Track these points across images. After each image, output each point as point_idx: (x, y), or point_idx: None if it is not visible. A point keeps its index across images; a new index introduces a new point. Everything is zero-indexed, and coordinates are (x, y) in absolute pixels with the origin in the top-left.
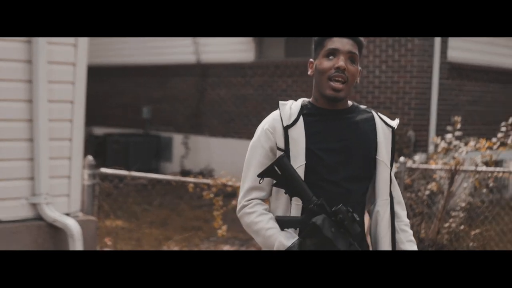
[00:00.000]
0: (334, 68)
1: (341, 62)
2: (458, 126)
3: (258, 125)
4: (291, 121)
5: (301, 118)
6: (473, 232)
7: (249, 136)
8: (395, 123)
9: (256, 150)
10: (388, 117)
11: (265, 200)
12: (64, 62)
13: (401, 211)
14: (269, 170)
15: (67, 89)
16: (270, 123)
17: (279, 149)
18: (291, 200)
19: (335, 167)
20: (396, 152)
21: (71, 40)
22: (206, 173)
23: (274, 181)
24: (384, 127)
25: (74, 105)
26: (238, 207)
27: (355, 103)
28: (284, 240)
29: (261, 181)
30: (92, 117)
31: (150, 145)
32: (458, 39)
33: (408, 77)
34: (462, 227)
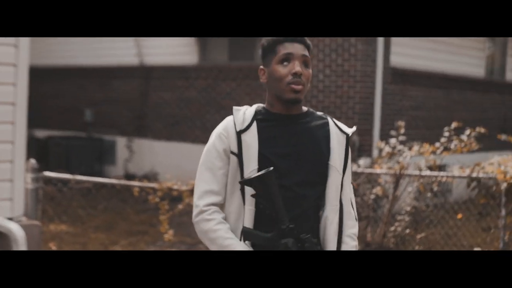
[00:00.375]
0: (291, 74)
1: (297, 67)
2: (402, 130)
3: (202, 128)
4: (244, 126)
5: (254, 123)
6: (418, 236)
7: (193, 139)
8: (351, 130)
9: (210, 153)
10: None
11: (221, 206)
12: (4, 63)
13: (347, 220)
14: (254, 181)
15: (8, 91)
16: (224, 127)
17: (232, 153)
18: (244, 204)
19: (287, 172)
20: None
21: (12, 40)
22: (151, 176)
23: (253, 192)
24: (339, 133)
25: (16, 107)
26: (196, 211)
27: (311, 109)
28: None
29: (215, 186)
30: (34, 119)
31: (93, 148)
32: (401, 45)
33: (352, 81)
34: (407, 230)
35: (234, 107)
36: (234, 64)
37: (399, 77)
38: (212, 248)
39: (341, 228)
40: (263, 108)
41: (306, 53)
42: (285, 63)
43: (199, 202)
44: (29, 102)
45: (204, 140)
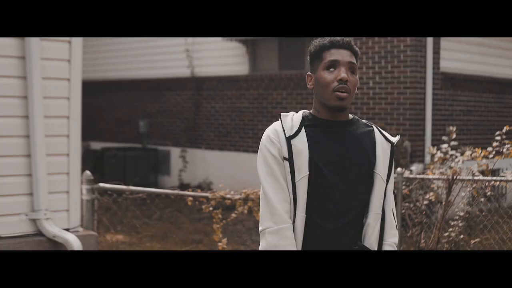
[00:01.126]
0: (336, 80)
1: (343, 73)
2: (454, 135)
3: (254, 138)
4: (293, 132)
5: (303, 129)
6: (472, 241)
7: (246, 148)
8: (395, 139)
9: (268, 159)
10: (383, 128)
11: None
12: (58, 78)
13: (389, 229)
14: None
15: (63, 105)
16: (273, 132)
17: (283, 158)
18: (295, 210)
19: (335, 179)
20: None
21: (65, 55)
22: (205, 186)
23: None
24: (384, 142)
25: (70, 120)
26: (272, 221)
27: (356, 117)
28: None
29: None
30: (89, 132)
31: (147, 159)
32: (450, 50)
33: (402, 88)
34: (461, 236)
35: (282, 113)
36: (284, 73)
37: (449, 82)
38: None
39: (382, 236)
40: (310, 114)
41: (353, 59)
42: (331, 69)
43: (277, 213)
44: (85, 115)
45: (256, 149)
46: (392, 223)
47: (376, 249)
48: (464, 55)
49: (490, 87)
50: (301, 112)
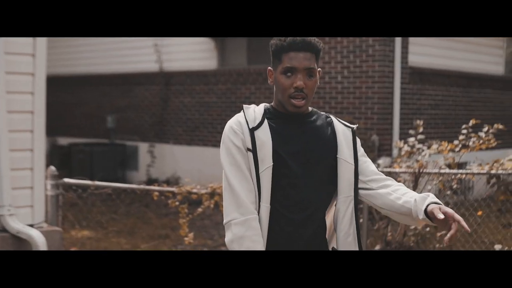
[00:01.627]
0: (293, 87)
1: (299, 81)
2: (421, 129)
3: (222, 132)
4: (256, 123)
5: (265, 121)
6: (439, 234)
7: (214, 143)
8: (354, 125)
9: (231, 150)
10: (351, 122)
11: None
12: (22, 73)
13: (393, 186)
14: None
15: (27, 100)
16: (236, 123)
17: (247, 149)
18: (259, 201)
19: (299, 169)
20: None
21: (29, 50)
22: (173, 181)
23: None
24: (344, 128)
25: (34, 115)
26: (238, 212)
27: (314, 109)
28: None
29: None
30: (56, 127)
31: (115, 154)
32: (418, 44)
33: (370, 82)
34: (428, 229)
35: (244, 105)
36: (253, 68)
37: (417, 76)
38: (235, 249)
39: (357, 217)
40: (271, 106)
41: (312, 62)
42: (288, 74)
43: (243, 204)
44: (52, 110)
45: None
46: (388, 179)
47: (352, 232)
48: (432, 49)
49: (457, 81)
50: (262, 105)
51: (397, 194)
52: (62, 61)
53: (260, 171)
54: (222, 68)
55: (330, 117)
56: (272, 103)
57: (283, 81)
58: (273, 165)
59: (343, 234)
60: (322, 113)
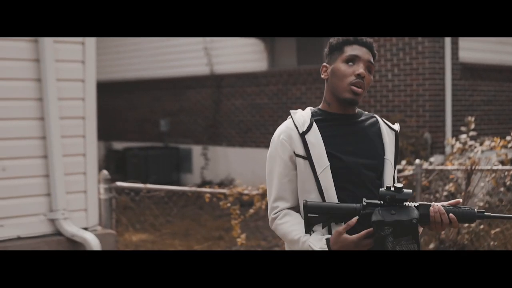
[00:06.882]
0: (354, 74)
1: (361, 69)
2: (472, 126)
3: (271, 140)
4: (305, 127)
5: (314, 123)
6: (493, 231)
7: (267, 145)
8: (396, 127)
9: (275, 161)
10: (404, 120)
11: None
12: (73, 79)
13: None
14: (310, 219)
15: (78, 106)
16: (285, 132)
17: (298, 156)
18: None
19: (356, 168)
20: (412, 154)
21: (79, 57)
22: (227, 182)
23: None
24: (388, 130)
25: (86, 120)
26: (269, 220)
27: (359, 109)
28: (315, 243)
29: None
30: (111, 132)
31: (169, 157)
32: (468, 40)
33: (421, 79)
34: (481, 226)
35: (291, 111)
36: (303, 68)
37: (468, 72)
38: (295, 247)
39: None
40: (318, 109)
41: (371, 59)
42: (350, 63)
43: (270, 212)
44: (106, 116)
45: None
46: None
47: None
48: (482, 44)
49: (510, 76)
50: (308, 109)
51: None
52: (112, 67)
53: (318, 173)
54: (273, 69)
55: (375, 116)
56: (319, 106)
57: (344, 68)
58: (330, 165)
59: None
60: (366, 112)
